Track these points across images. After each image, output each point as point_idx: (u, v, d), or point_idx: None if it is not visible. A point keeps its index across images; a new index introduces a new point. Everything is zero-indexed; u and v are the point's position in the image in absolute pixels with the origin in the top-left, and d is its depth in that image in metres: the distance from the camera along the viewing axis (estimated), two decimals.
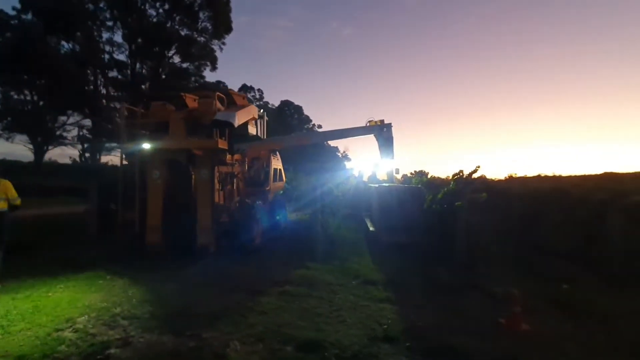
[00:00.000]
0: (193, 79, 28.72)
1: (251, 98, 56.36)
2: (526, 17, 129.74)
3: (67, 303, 4.50)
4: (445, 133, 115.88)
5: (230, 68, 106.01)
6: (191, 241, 7.49)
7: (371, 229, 10.11)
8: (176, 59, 28.46)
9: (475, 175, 7.81)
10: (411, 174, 14.15)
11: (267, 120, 11.39)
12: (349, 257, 8.11)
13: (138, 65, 27.68)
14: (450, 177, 10.02)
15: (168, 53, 27.41)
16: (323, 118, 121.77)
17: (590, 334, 4.44)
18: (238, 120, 8.44)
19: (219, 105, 8.66)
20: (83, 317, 4.10)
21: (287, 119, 72.40)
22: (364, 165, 17.19)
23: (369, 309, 4.89)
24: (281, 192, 10.77)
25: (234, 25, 28.20)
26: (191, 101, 8.89)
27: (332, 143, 72.29)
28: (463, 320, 4.72)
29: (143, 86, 28.17)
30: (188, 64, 28.54)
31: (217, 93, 9.00)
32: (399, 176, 12.82)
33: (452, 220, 7.91)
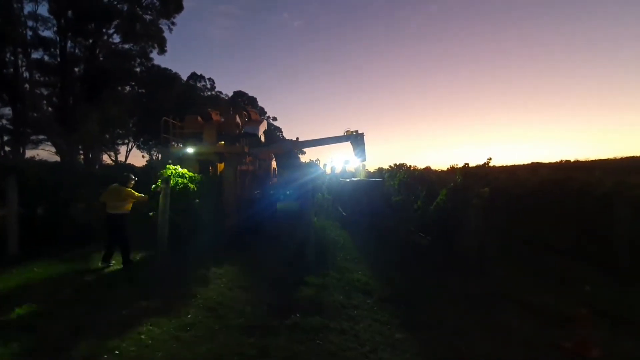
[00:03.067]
0: (138, 61, 25.19)
1: (206, 85, 52.74)
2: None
3: None
4: (397, 125, 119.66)
5: (177, 54, 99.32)
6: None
7: (344, 214, 11.56)
8: (117, 39, 24.80)
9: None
10: (390, 167, 13.30)
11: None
12: (345, 264, 7.06)
13: (69, 44, 23.66)
14: (453, 169, 9.64)
15: (107, 31, 23.72)
16: (277, 109, 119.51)
17: None
18: (260, 133, 11.54)
19: (238, 119, 11.33)
20: None
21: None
22: (336, 161, 17.98)
23: (407, 343, 3.81)
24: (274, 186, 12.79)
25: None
26: (215, 115, 11.25)
27: (287, 136, 72.21)
28: (520, 347, 3.85)
29: (76, 69, 24.18)
30: (131, 44, 25.01)
31: (243, 111, 12.47)
32: (364, 170, 14.34)
33: (459, 220, 7.13)
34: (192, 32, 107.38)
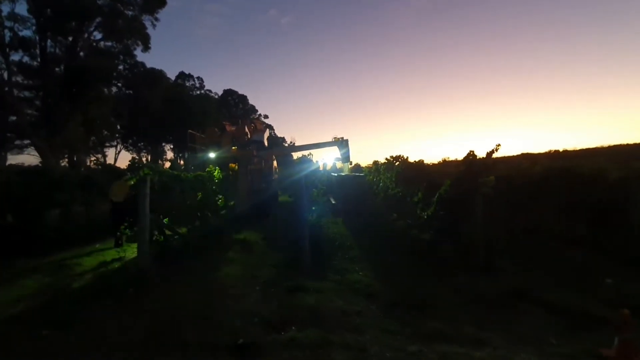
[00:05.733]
0: (121, 58, 24.11)
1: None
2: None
3: None
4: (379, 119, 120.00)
5: (165, 54, 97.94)
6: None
7: (333, 202, 14.00)
8: (98, 36, 23.71)
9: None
10: (387, 159, 12.82)
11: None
12: (344, 264, 6.53)
13: (49, 43, 22.65)
14: (445, 162, 9.47)
15: (87, 28, 22.65)
16: (267, 107, 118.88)
17: None
18: (264, 139, 14.59)
19: (247, 129, 14.35)
20: None
21: (232, 109, 68.71)
22: (327, 158, 20.67)
23: (424, 358, 3.25)
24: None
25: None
26: (229, 126, 14.85)
27: (280, 134, 72.36)
28: (554, 358, 3.32)
29: (57, 69, 23.14)
30: (113, 42, 23.97)
31: (251, 123, 16.02)
32: (348, 167, 17.38)
33: (465, 211, 6.61)
34: (179, 32, 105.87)
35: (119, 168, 15.91)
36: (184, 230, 7.90)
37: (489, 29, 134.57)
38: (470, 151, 6.71)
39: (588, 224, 7.50)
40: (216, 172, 9.21)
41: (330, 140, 14.98)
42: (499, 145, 6.23)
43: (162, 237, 6.85)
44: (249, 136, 14.28)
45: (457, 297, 4.90)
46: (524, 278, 5.66)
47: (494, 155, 6.77)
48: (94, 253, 7.33)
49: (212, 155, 12.63)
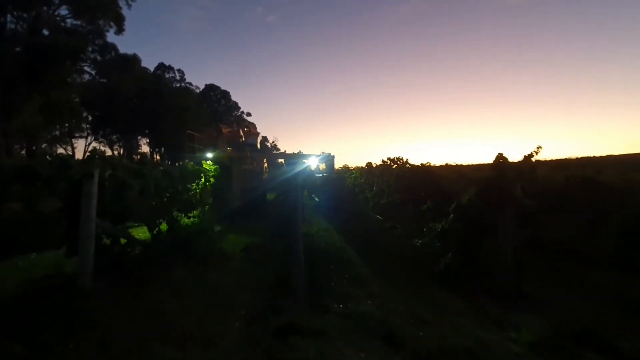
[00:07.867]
0: (90, 37, 21.76)
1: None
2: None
3: None
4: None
5: (146, 45, 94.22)
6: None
7: (317, 200, 14.91)
8: (65, 12, 21.32)
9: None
10: (384, 161, 11.74)
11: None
12: (346, 287, 5.28)
13: (9, 18, 20.22)
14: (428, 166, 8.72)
15: (54, 3, 20.26)
16: (251, 104, 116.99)
17: None
18: (257, 142, 17.21)
19: (241, 132, 16.78)
20: None
21: (214, 105, 66.44)
22: (312, 161, 19.55)
23: None
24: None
25: None
26: (225, 129, 16.86)
27: (263, 132, 71.00)
28: None
29: (17, 48, 20.71)
30: (82, 21, 21.59)
31: (245, 127, 17.95)
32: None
33: (491, 226, 5.50)
34: (160, 22, 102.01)
35: (71, 159, 14.15)
36: (147, 236, 6.48)
37: (472, 35, 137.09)
38: (500, 154, 5.60)
39: (617, 242, 6.64)
40: (189, 166, 7.85)
41: (319, 153, 17.26)
42: (539, 147, 5.14)
43: (114, 248, 5.39)
44: (243, 139, 16.35)
45: (504, 341, 3.72)
46: (566, 310, 4.64)
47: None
48: (24, 264, 5.76)
49: (209, 155, 13.46)
